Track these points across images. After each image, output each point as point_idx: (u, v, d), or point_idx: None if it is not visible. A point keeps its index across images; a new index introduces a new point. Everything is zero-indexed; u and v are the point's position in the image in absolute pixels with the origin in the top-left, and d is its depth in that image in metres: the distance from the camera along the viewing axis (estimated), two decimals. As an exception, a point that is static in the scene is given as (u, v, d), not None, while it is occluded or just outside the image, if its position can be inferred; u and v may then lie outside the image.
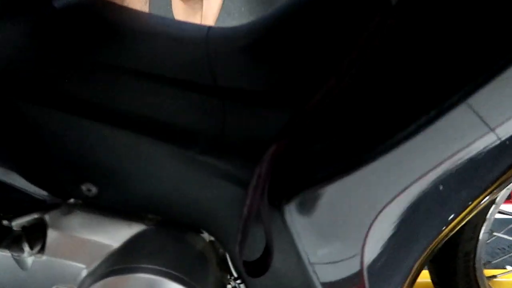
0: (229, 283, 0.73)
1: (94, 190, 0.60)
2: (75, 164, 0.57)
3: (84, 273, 0.60)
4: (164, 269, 0.58)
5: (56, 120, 0.54)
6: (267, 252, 0.54)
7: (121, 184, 0.58)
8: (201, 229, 0.65)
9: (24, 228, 0.61)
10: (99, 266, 0.59)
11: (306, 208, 0.52)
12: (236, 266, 0.69)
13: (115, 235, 0.61)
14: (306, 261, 0.55)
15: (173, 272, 0.58)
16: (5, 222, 0.62)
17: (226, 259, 0.71)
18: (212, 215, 0.59)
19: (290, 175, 0.51)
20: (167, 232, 0.64)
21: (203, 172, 0.54)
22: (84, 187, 0.60)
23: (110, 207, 0.63)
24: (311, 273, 0.55)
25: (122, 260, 0.59)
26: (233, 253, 0.64)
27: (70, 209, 0.63)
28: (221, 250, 0.72)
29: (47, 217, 0.62)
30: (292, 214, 0.50)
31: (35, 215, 0.62)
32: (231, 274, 0.72)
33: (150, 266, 0.58)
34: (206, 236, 0.68)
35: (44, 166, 0.58)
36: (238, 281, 0.71)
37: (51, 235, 0.60)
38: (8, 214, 0.63)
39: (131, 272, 0.57)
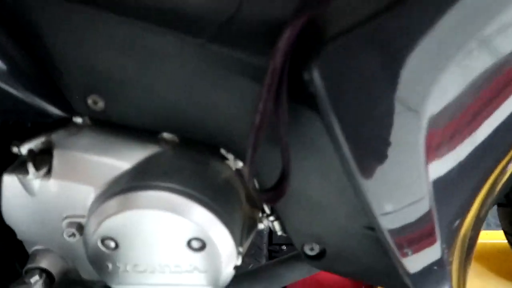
0: (261, 221, 0.64)
1: (101, 103, 0.52)
2: (79, 70, 0.50)
3: (92, 196, 0.53)
4: (183, 188, 0.50)
5: (58, 12, 0.47)
6: (284, 172, 0.43)
7: (128, 93, 0.50)
8: (221, 148, 0.55)
9: (30, 151, 0.55)
10: (110, 187, 0.52)
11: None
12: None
13: (127, 155, 0.54)
14: (358, 177, 0.43)
15: (194, 193, 0.50)
16: (14, 150, 0.56)
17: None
18: (231, 127, 0.50)
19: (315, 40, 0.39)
20: (187, 154, 0.55)
21: (216, 67, 0.44)
22: (90, 100, 0.52)
23: (121, 128, 0.55)
24: (366, 194, 0.43)
25: (136, 179, 0.51)
26: (262, 181, 0.55)
27: (78, 129, 0.56)
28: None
29: (54, 137, 0.55)
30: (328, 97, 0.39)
31: (42, 138, 0.56)
32: (263, 211, 0.63)
33: (167, 184, 0.50)
34: (232, 164, 0.59)
35: (47, 75, 0.52)
36: (271, 218, 0.62)
37: (58, 155, 0.54)
38: (17, 140, 0.57)
39: (146, 189, 0.49)
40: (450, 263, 0.56)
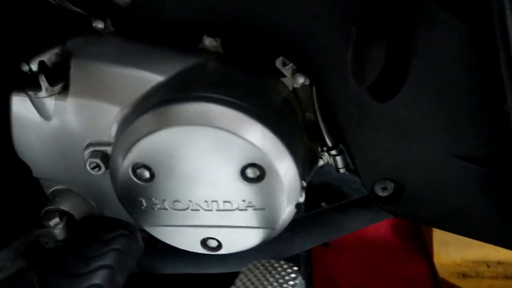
0: (321, 157, 0.53)
1: (127, -4, 0.41)
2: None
3: (120, 117, 0.42)
4: (237, 100, 0.39)
5: None
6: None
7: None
8: (280, 56, 0.44)
9: (41, 63, 0.44)
10: (141, 104, 0.41)
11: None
12: (338, 127, 0.48)
13: (161, 66, 0.43)
14: None
15: (250, 107, 0.39)
16: (24, 68, 0.46)
17: (317, 122, 0.50)
18: (297, 18, 0.38)
19: None
20: (236, 66, 0.44)
21: None
22: (113, -7, 0.41)
23: (151, 36, 0.44)
24: None
25: (174, 91, 0.40)
26: (332, 95, 0.43)
27: (99, 36, 0.45)
28: (308, 114, 0.52)
29: (70, 45, 0.45)
30: None
31: (56, 49, 0.45)
32: (323, 144, 0.51)
33: (216, 95, 0.39)
34: (289, 82, 0.47)
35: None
36: (333, 152, 0.51)
37: (76, 67, 0.43)
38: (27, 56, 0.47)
39: (189, 101, 0.38)
40: None
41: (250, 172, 0.39)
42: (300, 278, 0.34)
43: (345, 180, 1.13)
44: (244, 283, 0.34)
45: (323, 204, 1.19)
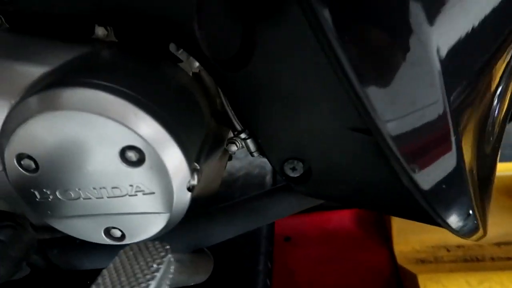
0: (234, 142, 0.53)
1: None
2: None
3: (7, 110, 0.42)
4: (117, 86, 0.38)
5: None
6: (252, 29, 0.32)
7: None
8: (172, 43, 0.44)
9: None
10: (25, 93, 0.41)
11: None
12: (234, 107, 0.48)
13: (49, 58, 0.43)
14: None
15: (128, 91, 0.38)
16: None
17: (224, 107, 0.50)
18: (181, 8, 0.38)
19: None
20: (128, 54, 0.44)
21: None
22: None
23: (43, 30, 0.44)
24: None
25: (56, 76, 0.40)
26: (225, 80, 0.43)
27: (-9, 32, 0.45)
28: (218, 100, 0.51)
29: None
30: None
31: None
32: (233, 128, 0.51)
33: (89, 80, 0.38)
34: (187, 67, 0.47)
35: None
36: (243, 136, 0.50)
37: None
38: None
39: (67, 86, 0.38)
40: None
41: (130, 156, 0.39)
42: (169, 256, 0.33)
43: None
44: (116, 266, 0.34)
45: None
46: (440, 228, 0.49)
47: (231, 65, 0.35)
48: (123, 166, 0.39)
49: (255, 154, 0.52)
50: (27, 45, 0.44)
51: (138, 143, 0.38)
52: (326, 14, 0.30)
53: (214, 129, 0.50)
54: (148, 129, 0.38)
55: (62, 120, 0.38)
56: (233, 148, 0.53)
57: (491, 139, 0.49)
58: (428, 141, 0.39)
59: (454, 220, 0.46)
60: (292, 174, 0.49)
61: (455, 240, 0.94)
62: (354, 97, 0.34)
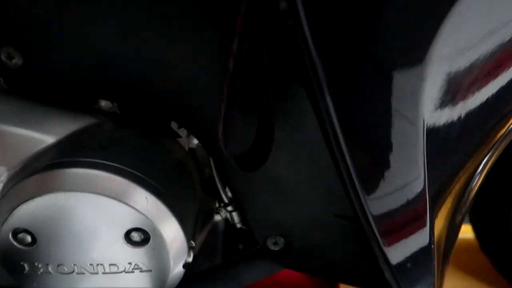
0: (218, 212, 0.55)
1: (17, 58, 0.41)
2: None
3: (4, 178, 0.42)
4: (121, 166, 0.40)
5: None
6: (269, 129, 0.35)
7: (50, 43, 0.40)
8: (173, 121, 0.46)
9: None
10: (27, 166, 0.41)
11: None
12: (227, 185, 0.51)
13: (52, 127, 0.43)
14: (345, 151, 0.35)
15: (135, 172, 0.40)
16: None
17: (214, 179, 0.52)
18: (185, 91, 0.41)
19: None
20: (130, 128, 0.45)
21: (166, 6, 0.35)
22: (3, 55, 0.41)
23: (46, 95, 0.44)
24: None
25: (60, 155, 0.41)
26: (221, 160, 0.46)
27: (-12, 95, 0.44)
28: (207, 171, 0.54)
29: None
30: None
31: None
32: (221, 200, 0.54)
33: (100, 160, 0.39)
34: (185, 143, 0.50)
35: None
36: (230, 208, 0.53)
37: (-41, 126, 0.42)
38: None
39: (72, 166, 0.38)
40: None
41: (134, 236, 0.40)
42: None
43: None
44: None
45: (240, 246, 1.21)
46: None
47: (248, 165, 0.38)
48: (127, 246, 0.40)
49: (239, 225, 0.54)
50: (29, 110, 0.44)
51: (146, 226, 0.39)
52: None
53: (204, 201, 0.52)
54: (157, 213, 0.39)
55: (70, 201, 0.38)
56: (217, 218, 0.55)
57: (463, 209, 0.55)
58: (405, 217, 0.43)
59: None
60: (273, 248, 0.52)
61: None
62: (348, 182, 0.37)
